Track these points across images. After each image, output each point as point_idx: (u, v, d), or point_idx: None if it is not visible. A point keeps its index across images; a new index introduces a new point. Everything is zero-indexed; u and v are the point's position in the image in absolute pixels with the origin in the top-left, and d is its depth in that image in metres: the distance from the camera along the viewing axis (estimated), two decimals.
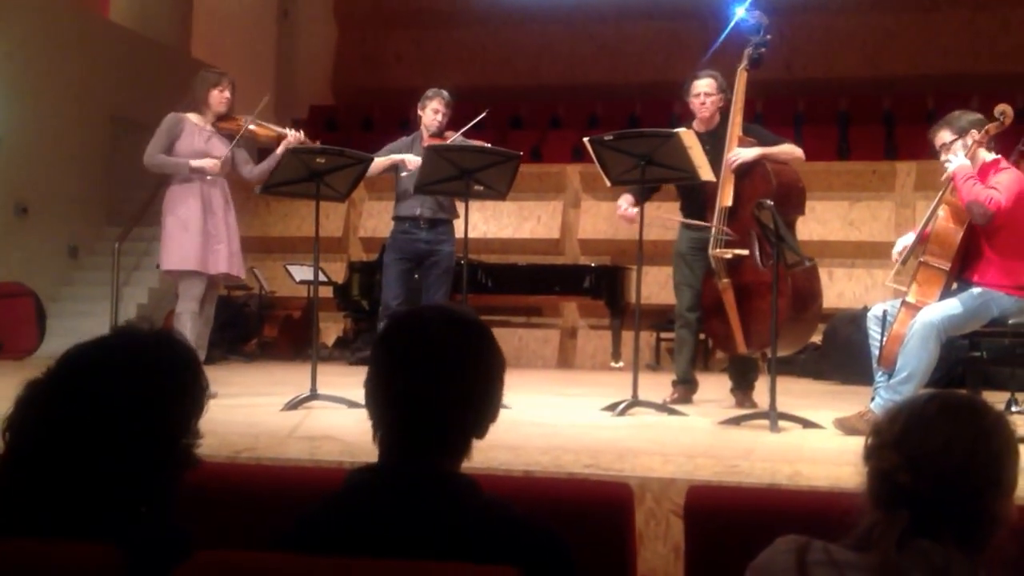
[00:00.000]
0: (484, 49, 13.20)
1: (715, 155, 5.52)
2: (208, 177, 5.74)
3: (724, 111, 5.71)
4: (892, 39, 12.06)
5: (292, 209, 10.36)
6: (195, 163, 5.71)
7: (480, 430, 1.70)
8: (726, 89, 5.72)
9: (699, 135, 5.58)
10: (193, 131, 5.79)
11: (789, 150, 5.64)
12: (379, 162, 5.99)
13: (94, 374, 1.66)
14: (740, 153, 5.46)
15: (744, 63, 5.65)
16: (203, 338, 5.80)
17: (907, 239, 4.96)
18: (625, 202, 5.76)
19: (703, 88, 5.72)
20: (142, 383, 1.66)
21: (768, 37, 5.64)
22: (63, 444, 1.62)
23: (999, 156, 4.73)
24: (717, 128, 5.70)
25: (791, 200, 5.49)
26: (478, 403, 1.68)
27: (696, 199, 5.71)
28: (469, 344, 1.68)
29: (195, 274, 5.70)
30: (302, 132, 5.93)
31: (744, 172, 5.48)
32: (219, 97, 5.82)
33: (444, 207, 6.11)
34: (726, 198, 5.47)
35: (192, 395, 1.73)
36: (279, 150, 5.77)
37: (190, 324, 5.67)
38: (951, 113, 4.85)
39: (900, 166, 9.66)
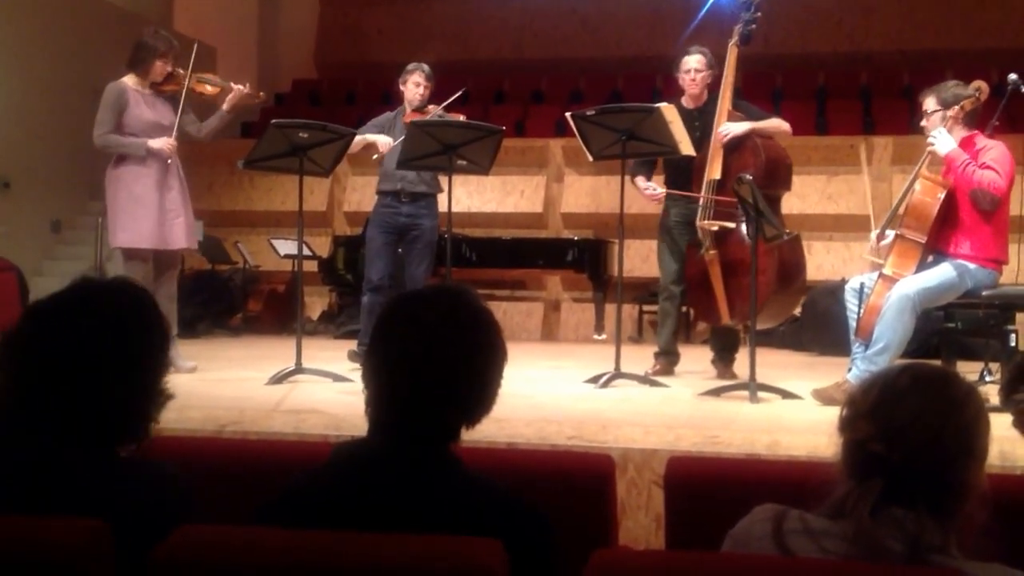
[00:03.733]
0: (467, 23, 13.13)
1: (704, 131, 5.55)
2: (167, 157, 5.58)
3: (712, 88, 5.74)
4: (869, 15, 12.08)
5: (276, 183, 10.32)
6: (153, 144, 5.52)
7: (472, 420, 1.70)
8: (715, 66, 5.75)
9: (688, 111, 5.62)
10: (138, 99, 5.59)
11: (776, 125, 5.68)
12: (360, 140, 6.00)
13: (59, 323, 1.69)
14: (730, 127, 5.49)
15: (735, 38, 5.67)
16: (171, 315, 5.72)
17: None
18: (643, 182, 5.79)
19: (693, 64, 5.74)
20: (106, 326, 1.69)
21: (759, 13, 5.66)
22: (39, 396, 1.66)
23: (975, 131, 4.78)
24: (706, 105, 5.73)
25: (778, 175, 5.54)
26: (472, 395, 1.68)
27: (683, 172, 5.74)
28: (470, 337, 1.67)
29: (142, 255, 5.58)
30: (246, 85, 5.79)
31: (733, 146, 5.51)
32: (161, 68, 5.61)
33: (426, 182, 6.11)
34: (714, 171, 5.51)
35: (157, 332, 1.76)
36: (225, 106, 5.71)
37: None
38: (945, 82, 4.88)
39: (877, 140, 9.70)
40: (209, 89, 5.75)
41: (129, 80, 5.63)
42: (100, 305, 1.72)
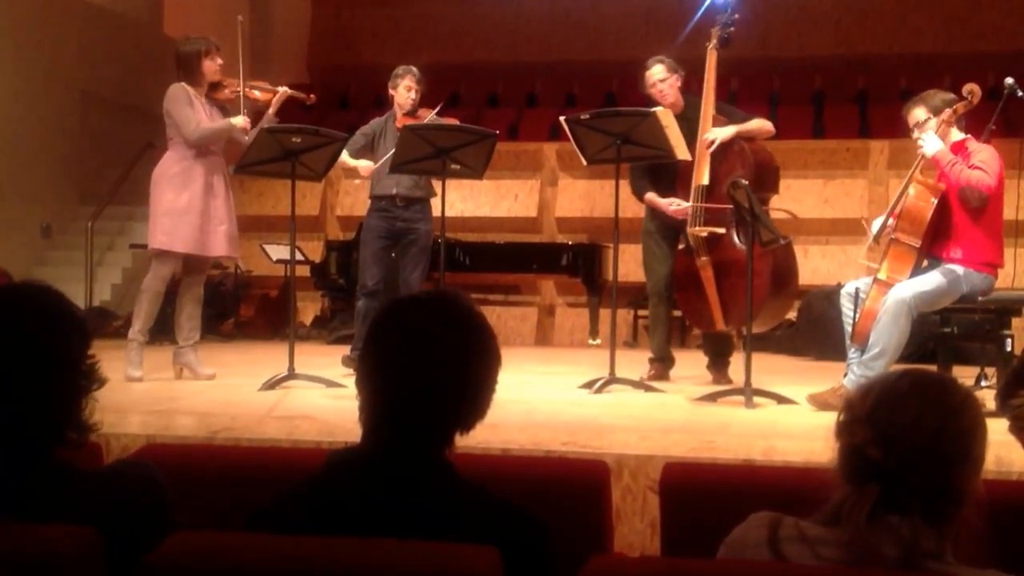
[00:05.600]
0: (460, 27, 13.13)
1: (688, 137, 5.54)
2: (245, 134, 5.54)
3: (686, 93, 5.74)
4: (865, 18, 12.10)
5: (268, 188, 10.30)
6: (237, 121, 5.50)
7: (466, 426, 1.69)
8: (678, 68, 5.73)
9: None
10: (197, 105, 5.58)
11: (759, 125, 5.67)
12: (343, 162, 5.94)
13: None
14: (716, 133, 5.48)
15: (713, 42, 5.67)
16: (195, 318, 5.72)
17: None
18: (658, 199, 5.72)
19: (656, 76, 5.71)
20: (15, 330, 1.70)
21: (736, 16, 5.66)
22: None
23: (968, 135, 4.78)
24: (685, 111, 5.69)
25: (766, 179, 5.54)
26: (467, 401, 1.68)
27: (667, 177, 5.72)
28: (464, 342, 1.67)
29: (174, 256, 5.57)
30: (286, 88, 5.77)
31: (720, 151, 5.51)
32: (212, 66, 5.59)
33: (420, 186, 6.10)
34: (701, 176, 5.50)
35: (68, 333, 1.75)
36: (272, 110, 5.68)
37: (147, 305, 5.58)
38: (926, 91, 4.89)
39: (873, 144, 9.71)
40: (260, 96, 5.72)
41: (190, 88, 5.61)
42: (8, 311, 1.72)
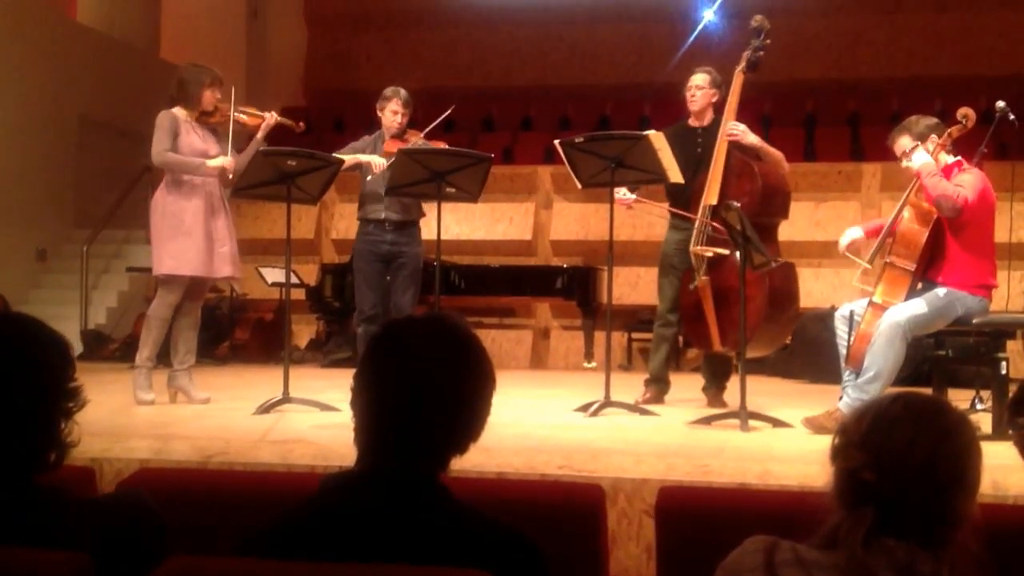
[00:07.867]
0: (455, 50, 13.18)
1: (706, 150, 5.56)
2: (228, 173, 5.56)
3: (718, 109, 5.76)
4: (857, 42, 12.16)
5: (263, 211, 10.29)
6: (212, 163, 5.54)
7: (461, 447, 1.69)
8: (720, 85, 5.78)
9: (692, 129, 5.66)
10: (188, 129, 5.60)
11: (777, 154, 5.71)
12: (350, 161, 5.96)
13: None
14: (740, 127, 5.48)
15: (742, 65, 5.71)
16: (191, 341, 5.70)
17: (853, 232, 5.06)
18: (621, 191, 5.75)
19: (695, 82, 5.82)
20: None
21: (768, 41, 5.68)
22: None
23: (960, 158, 4.80)
24: (711, 125, 5.76)
25: (775, 202, 5.54)
26: (461, 422, 1.68)
27: (683, 197, 5.74)
28: (459, 364, 1.67)
29: (180, 281, 5.55)
30: (275, 113, 5.82)
31: (732, 171, 5.51)
32: (211, 97, 5.64)
33: (410, 209, 6.07)
34: (711, 196, 5.51)
35: (46, 361, 1.75)
36: (260, 135, 5.71)
37: (155, 332, 5.57)
38: (908, 119, 4.92)
39: (866, 167, 9.75)
40: (249, 120, 5.75)
41: (178, 111, 5.64)
42: None
